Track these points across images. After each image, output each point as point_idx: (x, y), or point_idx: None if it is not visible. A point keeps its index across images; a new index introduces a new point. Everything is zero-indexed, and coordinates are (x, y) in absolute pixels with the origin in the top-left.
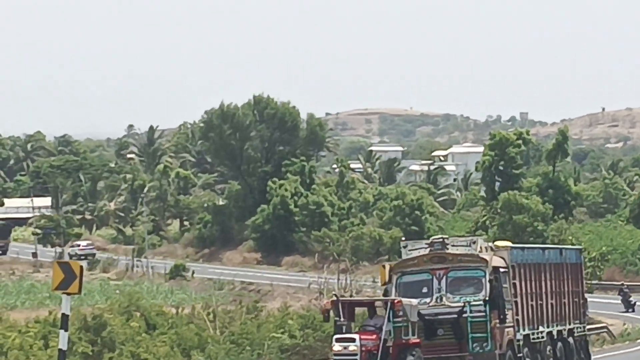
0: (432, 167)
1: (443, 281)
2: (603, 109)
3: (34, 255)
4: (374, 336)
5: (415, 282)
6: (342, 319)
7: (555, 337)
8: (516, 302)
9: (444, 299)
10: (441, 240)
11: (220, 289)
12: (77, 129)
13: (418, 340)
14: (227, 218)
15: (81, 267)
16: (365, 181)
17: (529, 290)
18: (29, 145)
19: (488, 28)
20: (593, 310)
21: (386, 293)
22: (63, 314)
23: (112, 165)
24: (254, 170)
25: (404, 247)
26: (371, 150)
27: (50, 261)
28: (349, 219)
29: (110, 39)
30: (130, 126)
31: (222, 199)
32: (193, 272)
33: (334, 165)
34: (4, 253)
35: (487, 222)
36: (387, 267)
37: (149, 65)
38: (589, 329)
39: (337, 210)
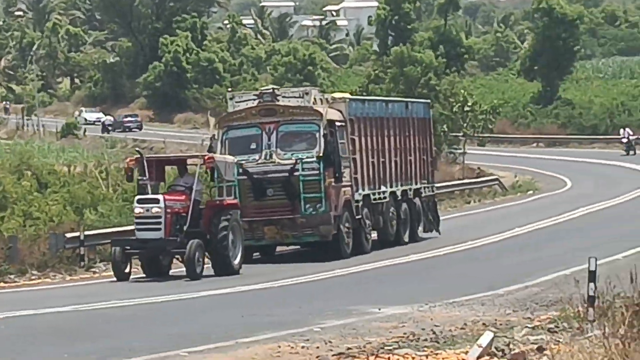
0: (324, 23)
1: (273, 136)
2: None
3: None
4: (183, 197)
5: (243, 138)
6: (145, 178)
7: (400, 197)
8: (355, 160)
9: (274, 155)
10: (271, 91)
11: (112, 147)
12: None
13: (235, 202)
14: (118, 75)
15: None
16: (259, 37)
17: (369, 147)
18: None
19: None
20: (485, 163)
21: (211, 149)
22: None
23: (0, 23)
24: (144, 27)
25: (231, 98)
26: (263, 6)
27: None
28: (241, 75)
29: None
30: None
31: (112, 57)
32: (85, 131)
33: (226, 22)
34: None
35: (380, 76)
36: (212, 121)
37: None
38: (481, 182)
39: (229, 67)
